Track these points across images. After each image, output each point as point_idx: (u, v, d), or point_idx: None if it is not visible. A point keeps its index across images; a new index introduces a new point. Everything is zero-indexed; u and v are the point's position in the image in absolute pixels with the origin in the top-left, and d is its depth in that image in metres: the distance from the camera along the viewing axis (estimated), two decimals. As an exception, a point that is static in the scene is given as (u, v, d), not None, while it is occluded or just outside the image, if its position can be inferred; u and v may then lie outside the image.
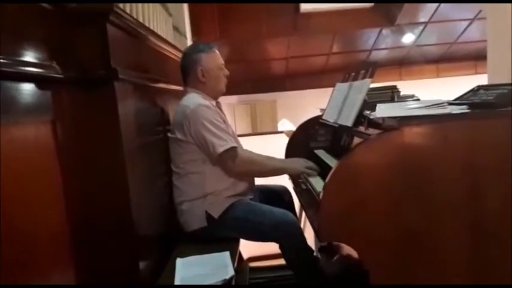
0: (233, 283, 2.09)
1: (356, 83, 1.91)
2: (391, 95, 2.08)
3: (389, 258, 1.39)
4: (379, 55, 7.73)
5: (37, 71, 1.03)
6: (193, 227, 1.90)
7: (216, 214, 1.85)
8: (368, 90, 2.45)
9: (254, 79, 7.88)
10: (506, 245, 1.39)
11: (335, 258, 2.50)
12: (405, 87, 4.26)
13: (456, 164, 1.35)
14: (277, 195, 2.21)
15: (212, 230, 1.87)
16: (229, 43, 6.99)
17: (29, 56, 1.03)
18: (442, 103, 1.37)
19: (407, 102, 1.63)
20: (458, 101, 1.65)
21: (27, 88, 1.01)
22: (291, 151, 2.63)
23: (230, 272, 1.49)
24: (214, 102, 2.01)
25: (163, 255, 1.74)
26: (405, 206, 1.36)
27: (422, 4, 6.17)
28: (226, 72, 2.09)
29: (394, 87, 2.43)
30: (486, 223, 1.38)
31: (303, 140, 2.58)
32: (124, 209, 1.32)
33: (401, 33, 7.00)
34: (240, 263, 2.59)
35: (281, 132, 5.00)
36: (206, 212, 1.86)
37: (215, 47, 2.08)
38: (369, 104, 1.82)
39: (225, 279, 1.44)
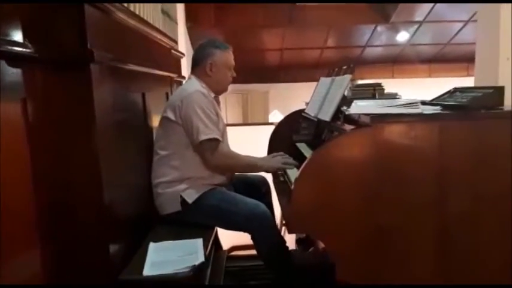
0: (208, 270, 2.14)
1: (337, 78, 1.92)
2: (373, 92, 2.09)
3: (356, 253, 1.42)
4: (373, 52, 7.76)
5: (8, 49, 1.03)
6: (167, 210, 1.91)
7: (190, 199, 1.87)
8: (353, 87, 2.48)
9: (248, 69, 7.84)
10: (472, 246, 1.42)
11: (310, 250, 2.54)
12: (396, 85, 4.30)
13: (425, 164, 1.37)
14: (255, 186, 2.24)
15: (186, 215, 1.88)
16: (224, 31, 6.96)
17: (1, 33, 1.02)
18: (414, 103, 1.39)
19: (386, 101, 1.64)
20: (434, 101, 1.68)
21: (-3, 65, 1.00)
22: (274, 143, 2.65)
23: (200, 259, 1.51)
24: (213, 95, 2.03)
25: (138, 238, 1.76)
26: (375, 202, 1.38)
27: (417, 3, 6.18)
28: (234, 74, 2.12)
29: (378, 84, 2.44)
30: (453, 223, 1.41)
31: (286, 133, 2.60)
32: (94, 191, 1.33)
33: (396, 31, 7.02)
34: (217, 250, 2.62)
35: (272, 123, 5.01)
36: (181, 196, 1.87)
37: (230, 48, 2.11)
38: (349, 100, 1.84)
39: (193, 266, 1.45)
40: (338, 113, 1.75)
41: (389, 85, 2.48)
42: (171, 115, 1.89)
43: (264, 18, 6.56)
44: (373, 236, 1.40)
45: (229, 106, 8.00)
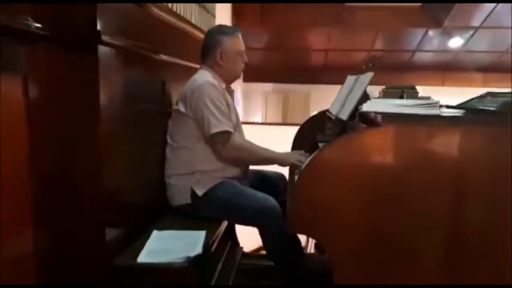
0: (219, 265, 2.11)
1: (362, 76, 1.83)
2: (401, 94, 1.97)
3: (358, 259, 1.33)
4: (423, 57, 7.42)
5: (9, 24, 1.04)
6: (178, 202, 1.91)
7: (200, 192, 1.84)
8: (385, 89, 2.37)
9: (291, 68, 7.78)
10: (486, 258, 1.29)
11: (325, 256, 2.44)
12: (447, 93, 4.05)
13: (440, 169, 1.26)
14: (272, 182, 2.18)
15: (195, 208, 1.87)
16: (269, 29, 6.94)
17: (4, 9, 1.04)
18: (433, 103, 1.28)
19: (404, 100, 1.54)
20: (462, 105, 1.55)
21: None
22: (297, 143, 2.58)
23: (197, 251, 1.48)
24: (224, 85, 2.00)
25: (144, 225, 1.76)
26: (382, 208, 1.29)
27: (473, 7, 5.83)
28: (246, 59, 2.07)
29: (412, 87, 2.32)
30: (467, 235, 1.28)
31: (311, 132, 2.52)
32: (93, 175, 1.33)
33: (449, 36, 6.66)
34: (233, 246, 2.59)
35: (311, 124, 4.92)
36: (191, 188, 1.86)
37: (239, 32, 2.07)
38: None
39: (188, 257, 1.42)
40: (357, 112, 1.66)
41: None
42: (181, 107, 1.88)
43: (310, 18, 6.46)
44: (378, 243, 1.31)
45: (269, 105, 7.96)
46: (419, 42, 6.92)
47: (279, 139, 2.99)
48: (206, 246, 1.59)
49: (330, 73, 8.02)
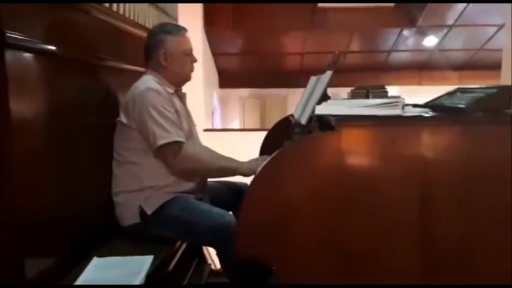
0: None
1: (322, 76, 1.67)
2: (366, 94, 1.83)
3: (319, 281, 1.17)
4: (398, 57, 7.39)
5: None
6: (126, 221, 1.71)
7: (149, 210, 1.66)
8: (353, 90, 2.24)
9: (267, 73, 7.66)
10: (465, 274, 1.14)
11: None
12: (424, 92, 3.96)
13: (404, 174, 1.11)
14: (241, 195, 1.99)
15: (145, 227, 1.67)
16: (242, 34, 6.80)
17: None
18: (394, 103, 1.12)
19: (362, 100, 1.39)
20: (430, 103, 1.41)
21: None
22: (265, 151, 2.42)
23: (137, 281, 1.29)
24: (172, 90, 1.80)
25: (84, 251, 1.56)
26: (340, 224, 1.13)
27: (446, 5, 5.80)
28: (195, 59, 1.88)
29: (381, 86, 2.19)
30: (438, 242, 1.13)
31: (279, 139, 2.36)
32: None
33: (424, 35, 6.63)
34: (200, 264, 2.41)
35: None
36: (140, 206, 1.67)
37: (184, 31, 1.87)
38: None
39: (124, 289, 1.24)
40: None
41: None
42: (124, 118, 1.68)
43: (284, 21, 6.35)
44: (340, 263, 1.15)
45: (247, 111, 7.82)
46: (395, 42, 6.88)
47: (258, 145, 2.83)
48: (153, 274, 1.40)
49: (306, 76, 7.88)
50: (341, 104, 1.25)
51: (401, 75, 7.49)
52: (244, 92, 8.01)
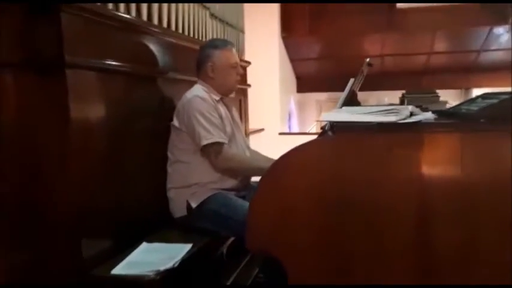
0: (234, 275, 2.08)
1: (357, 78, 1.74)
2: (401, 99, 1.85)
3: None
4: (490, 57, 6.82)
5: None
6: (177, 214, 1.95)
7: (194, 204, 1.88)
8: (405, 94, 2.26)
9: (345, 76, 7.53)
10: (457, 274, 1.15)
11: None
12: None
13: (402, 185, 1.14)
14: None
15: (191, 220, 1.90)
16: (319, 40, 6.85)
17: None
18: (394, 110, 1.16)
19: (367, 107, 1.42)
20: (446, 110, 1.41)
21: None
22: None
23: (169, 265, 1.49)
24: (218, 98, 2.02)
25: (136, 237, 1.81)
26: (339, 227, 1.19)
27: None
28: (240, 71, 2.10)
29: (432, 92, 2.19)
30: (436, 252, 1.15)
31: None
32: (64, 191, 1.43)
33: (518, 32, 6.07)
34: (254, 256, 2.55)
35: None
36: (187, 201, 1.89)
37: (231, 45, 2.09)
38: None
39: (157, 271, 1.44)
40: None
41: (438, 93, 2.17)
42: (176, 122, 1.94)
43: (361, 24, 6.27)
44: (340, 264, 1.22)
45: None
46: (484, 41, 6.39)
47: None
48: (186, 260, 1.60)
49: (386, 79, 7.68)
50: (349, 110, 1.32)
51: (496, 76, 6.91)
52: (322, 95, 8.02)
